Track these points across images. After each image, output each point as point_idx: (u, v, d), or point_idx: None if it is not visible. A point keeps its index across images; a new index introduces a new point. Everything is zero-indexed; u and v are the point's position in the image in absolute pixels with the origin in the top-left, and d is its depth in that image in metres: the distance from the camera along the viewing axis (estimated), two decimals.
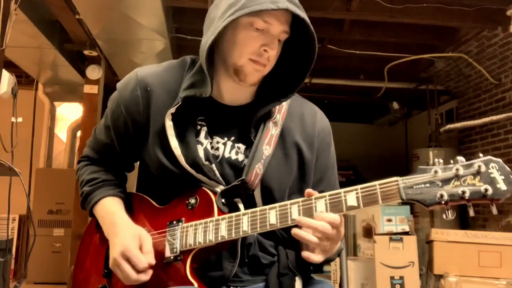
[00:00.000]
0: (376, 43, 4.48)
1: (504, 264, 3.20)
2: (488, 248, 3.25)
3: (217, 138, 1.17)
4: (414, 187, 0.92)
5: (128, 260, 1.07)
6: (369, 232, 3.91)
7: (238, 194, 1.11)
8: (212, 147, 1.16)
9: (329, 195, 0.98)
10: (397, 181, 0.93)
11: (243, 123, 1.17)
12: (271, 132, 1.15)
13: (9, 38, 2.36)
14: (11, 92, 2.71)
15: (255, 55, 1.08)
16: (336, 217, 0.98)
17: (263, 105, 1.16)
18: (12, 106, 2.79)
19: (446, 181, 0.91)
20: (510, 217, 4.41)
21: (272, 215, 1.01)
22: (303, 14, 1.05)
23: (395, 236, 3.44)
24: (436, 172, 0.91)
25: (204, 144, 1.15)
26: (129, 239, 1.10)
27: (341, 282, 1.48)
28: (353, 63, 4.87)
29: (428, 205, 0.91)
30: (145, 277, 1.07)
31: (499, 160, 0.90)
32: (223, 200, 1.10)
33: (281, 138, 1.18)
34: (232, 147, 1.17)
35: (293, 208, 1.00)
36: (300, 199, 1.01)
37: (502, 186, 0.88)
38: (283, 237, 1.18)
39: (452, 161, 0.92)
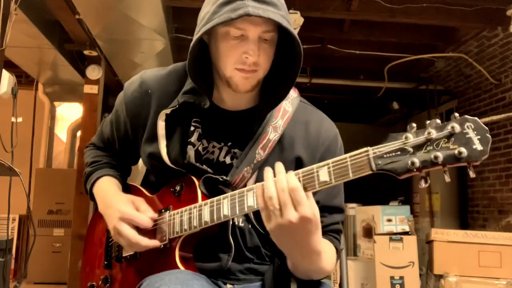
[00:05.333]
0: (376, 43, 4.48)
1: (504, 264, 3.20)
2: (488, 248, 3.25)
3: (213, 143, 1.16)
4: (385, 156, 0.86)
5: (130, 224, 1.10)
6: (369, 232, 3.91)
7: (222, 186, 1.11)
8: (207, 151, 1.16)
9: (302, 172, 0.93)
10: (367, 151, 0.87)
11: (242, 128, 1.15)
12: (268, 137, 1.12)
13: (9, 38, 2.36)
14: (11, 92, 2.71)
15: (239, 64, 1.04)
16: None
17: (264, 109, 1.14)
18: (12, 106, 2.79)
19: (418, 147, 0.84)
20: (510, 217, 4.41)
21: (249, 197, 0.99)
22: (267, 13, 0.98)
23: (395, 236, 3.44)
24: (406, 138, 0.85)
25: (196, 146, 1.14)
26: (122, 205, 1.13)
27: (341, 282, 1.48)
28: (353, 63, 4.87)
29: (399, 174, 0.85)
30: (148, 242, 1.09)
31: (475, 118, 0.82)
32: (206, 186, 1.10)
33: (280, 145, 1.14)
34: (228, 152, 1.16)
35: None
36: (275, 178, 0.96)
37: (478, 147, 0.80)
38: None
39: (427, 123, 0.86)
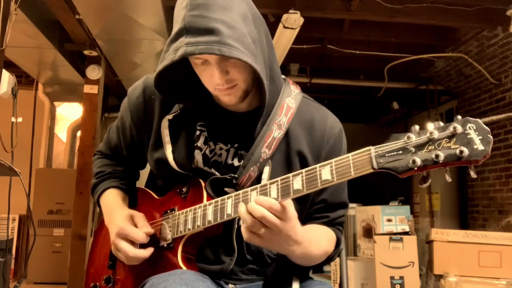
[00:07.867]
0: (376, 43, 4.48)
1: (504, 264, 3.20)
2: (488, 248, 3.25)
3: (220, 144, 1.16)
4: (387, 155, 0.86)
5: (126, 239, 1.13)
6: (369, 232, 3.91)
7: (228, 187, 1.12)
8: (215, 153, 1.16)
9: (306, 171, 0.94)
10: (369, 150, 0.88)
11: (247, 129, 1.14)
12: (273, 135, 1.11)
13: (9, 38, 2.36)
14: (11, 92, 2.71)
15: (215, 85, 1.06)
16: (272, 202, 0.91)
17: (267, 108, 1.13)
18: (12, 106, 2.79)
19: (420, 147, 0.84)
20: (510, 217, 4.41)
21: (253, 197, 0.99)
22: (200, 47, 0.95)
23: (395, 236, 3.44)
24: (409, 138, 0.85)
25: (203, 150, 1.15)
26: (122, 220, 1.16)
27: (341, 282, 1.48)
28: (353, 63, 4.87)
29: (400, 172, 0.85)
30: (144, 252, 1.12)
31: (477, 120, 0.83)
32: (213, 187, 1.11)
33: (284, 143, 1.14)
34: (235, 154, 1.16)
35: (273, 188, 0.97)
36: (279, 178, 0.97)
37: (479, 146, 0.80)
38: None
39: (428, 125, 0.86)
